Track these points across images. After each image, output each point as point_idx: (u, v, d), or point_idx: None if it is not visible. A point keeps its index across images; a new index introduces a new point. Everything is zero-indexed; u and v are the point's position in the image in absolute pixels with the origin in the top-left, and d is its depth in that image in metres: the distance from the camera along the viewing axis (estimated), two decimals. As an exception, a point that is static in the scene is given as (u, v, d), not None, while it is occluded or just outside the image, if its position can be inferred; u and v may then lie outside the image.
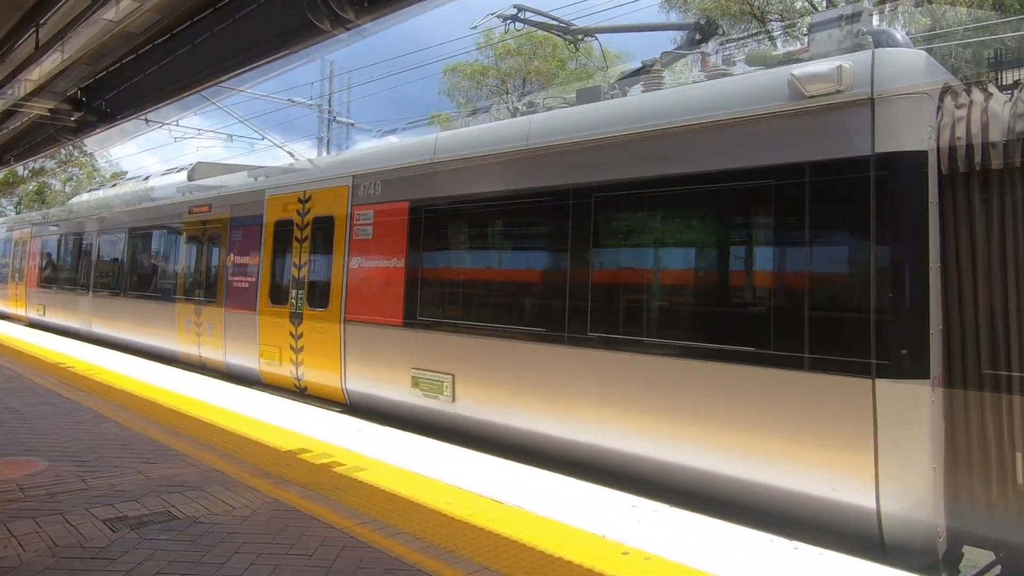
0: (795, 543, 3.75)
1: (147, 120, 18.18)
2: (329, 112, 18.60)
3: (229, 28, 6.79)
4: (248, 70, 6.60)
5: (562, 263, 5.56)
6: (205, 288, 9.98)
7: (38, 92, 7.94)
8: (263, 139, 20.05)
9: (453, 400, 6.13)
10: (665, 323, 5.19)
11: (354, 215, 7.37)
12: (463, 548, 3.52)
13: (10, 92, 7.31)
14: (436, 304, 6.64)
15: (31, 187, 63.05)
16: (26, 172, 62.67)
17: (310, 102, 16.99)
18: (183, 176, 11.84)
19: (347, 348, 7.25)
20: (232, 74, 6.84)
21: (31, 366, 9.62)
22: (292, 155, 19.84)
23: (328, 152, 19.79)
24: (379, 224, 7.11)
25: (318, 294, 7.83)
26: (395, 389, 6.68)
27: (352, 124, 18.82)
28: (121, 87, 8.09)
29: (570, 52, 35.33)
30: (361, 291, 7.20)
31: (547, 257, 5.93)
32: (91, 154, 62.22)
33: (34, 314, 16.39)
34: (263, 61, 6.36)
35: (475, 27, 8.90)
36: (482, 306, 6.39)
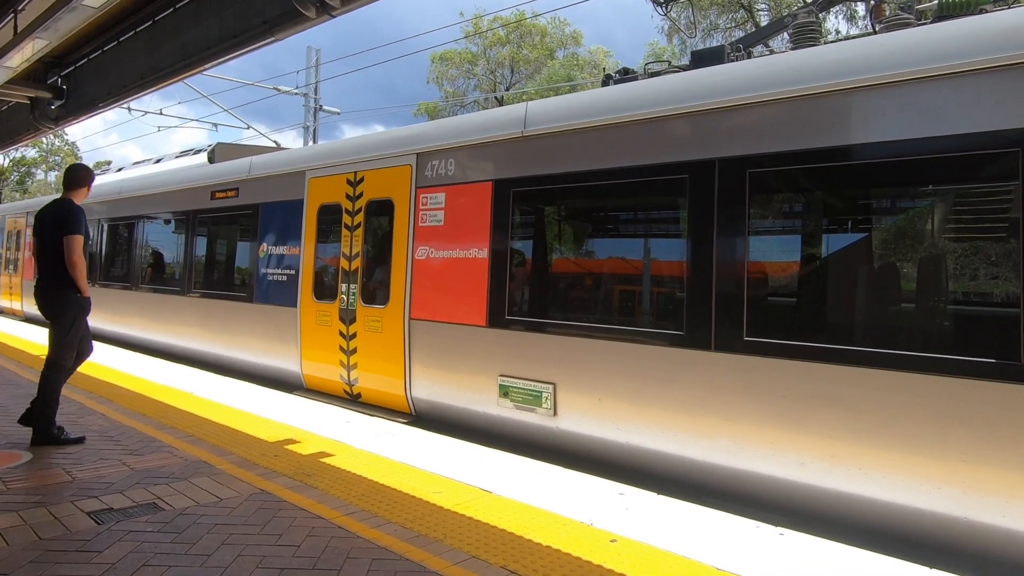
0: (780, 529, 3.78)
1: (130, 109, 18.00)
2: (316, 100, 18.42)
3: (212, 16, 6.69)
4: (231, 58, 6.49)
5: (704, 252, 4.59)
6: (234, 281, 9.47)
7: (17, 79, 7.81)
8: (248, 128, 19.94)
9: (555, 414, 5.47)
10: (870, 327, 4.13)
11: (419, 198, 6.56)
12: (451, 537, 3.52)
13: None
14: (533, 301, 5.81)
15: (14, 177, 62.31)
16: (8, 163, 61.72)
17: (295, 91, 16.80)
18: (200, 159, 11.49)
19: (412, 351, 6.46)
20: (214, 62, 6.73)
21: (17, 359, 9.51)
22: (277, 144, 19.65)
23: (314, 142, 19.64)
24: (453, 208, 6.27)
25: (375, 288, 7.07)
26: (476, 399, 5.93)
27: (338, 112, 18.65)
28: (102, 75, 7.96)
29: (558, 41, 35.18)
30: (431, 286, 6.36)
31: (679, 245, 4.92)
32: (73, 143, 61.13)
33: (31, 309, 15.94)
34: (247, 49, 6.25)
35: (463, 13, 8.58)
36: (595, 303, 5.50)
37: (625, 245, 5.57)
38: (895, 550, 3.74)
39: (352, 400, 7.20)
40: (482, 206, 6.04)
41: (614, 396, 5.04)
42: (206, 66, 6.74)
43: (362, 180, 7.21)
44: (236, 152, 10.91)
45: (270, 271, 8.50)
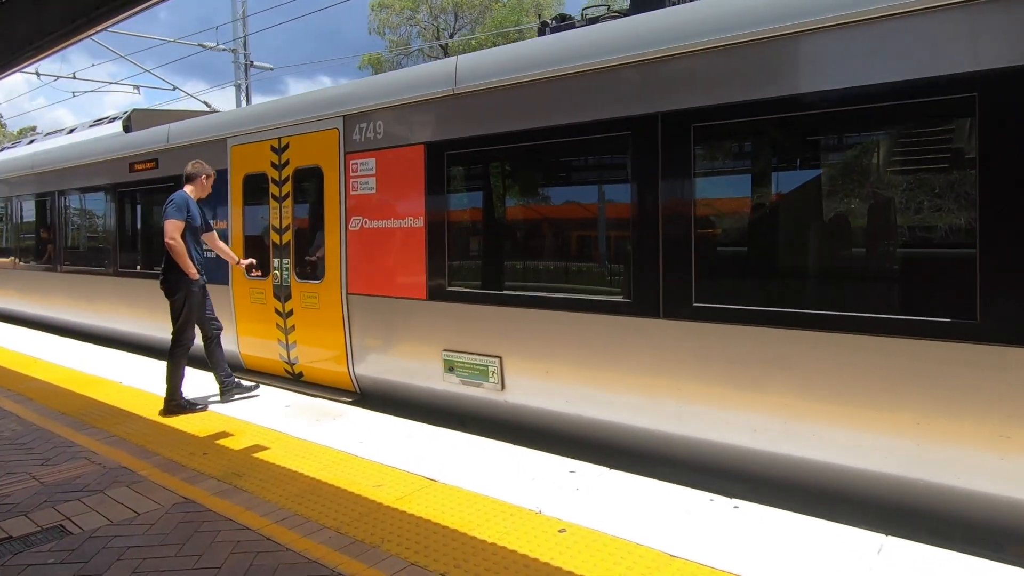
0: (735, 501, 3.65)
1: (38, 74, 16.61)
2: (245, 56, 17.30)
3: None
4: (127, 16, 5.80)
5: (650, 214, 4.30)
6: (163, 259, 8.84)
7: None
8: (174, 89, 18.70)
9: (502, 388, 5.20)
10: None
11: (349, 165, 6.08)
12: (389, 541, 3.28)
13: None
14: (474, 272, 5.45)
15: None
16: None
17: (221, 47, 15.71)
18: (115, 127, 10.64)
19: (353, 327, 6.12)
20: (111, 21, 6.01)
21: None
22: (208, 105, 18.52)
23: (248, 101, 18.56)
24: (385, 175, 5.82)
25: (309, 263, 6.66)
26: (421, 375, 5.66)
27: (271, 68, 17.60)
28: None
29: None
30: (368, 258, 5.97)
31: (623, 208, 4.60)
32: (-8, 110, 57.37)
33: None
34: (142, 6, 5.58)
35: None
36: (539, 273, 5.15)
37: (566, 210, 5.19)
38: (850, 515, 3.66)
39: (294, 379, 6.83)
40: (415, 171, 5.60)
41: (562, 368, 4.80)
42: (99, 27, 6.03)
43: (287, 147, 6.66)
44: (155, 119, 10.10)
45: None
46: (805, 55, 3.79)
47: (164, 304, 8.55)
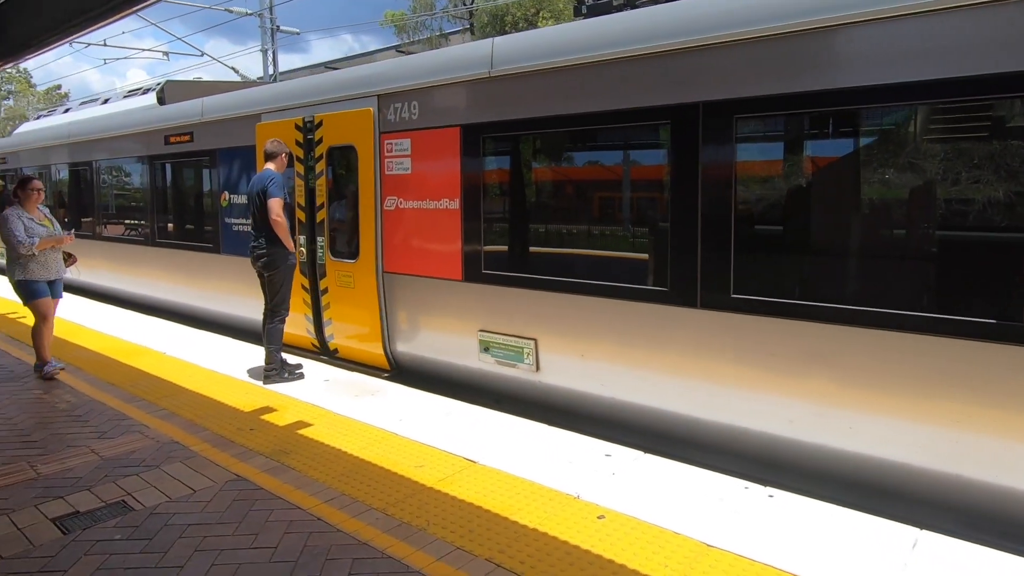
0: (770, 490, 3.72)
1: (71, 43, 16.71)
2: (272, 21, 17.20)
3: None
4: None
5: (687, 200, 4.27)
6: (200, 232, 8.97)
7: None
8: (202, 55, 18.72)
9: (537, 369, 5.28)
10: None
11: (384, 145, 6.10)
12: (435, 524, 3.41)
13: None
14: (510, 255, 5.41)
15: (-36, 109, 59.35)
16: (-43, 94, 58.45)
17: (248, 12, 15.63)
18: (149, 99, 10.74)
19: (389, 306, 6.23)
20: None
21: (-21, 321, 9.18)
22: (235, 71, 18.53)
23: (275, 66, 18.52)
24: (420, 156, 5.86)
25: (344, 241, 6.68)
26: (457, 353, 5.77)
27: (297, 33, 17.50)
28: (26, 16, 7.18)
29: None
30: (403, 238, 6.01)
31: (662, 196, 4.55)
32: (26, 70, 58.00)
33: None
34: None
35: None
36: (576, 258, 5.12)
37: (601, 198, 5.16)
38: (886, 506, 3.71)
39: (328, 354, 6.95)
40: (450, 153, 5.60)
41: (598, 352, 4.86)
42: (138, 7, 6.04)
43: (320, 124, 6.64)
44: (188, 90, 10.18)
45: (235, 221, 8.07)
46: (857, 47, 3.70)
47: (202, 274, 8.77)
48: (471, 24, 27.06)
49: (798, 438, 4.04)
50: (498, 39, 5.50)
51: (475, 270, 5.52)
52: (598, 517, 3.47)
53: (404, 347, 6.23)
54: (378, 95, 6.23)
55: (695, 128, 4.25)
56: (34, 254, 6.12)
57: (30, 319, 9.11)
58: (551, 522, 3.42)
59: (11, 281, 6.26)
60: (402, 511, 3.56)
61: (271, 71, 20.11)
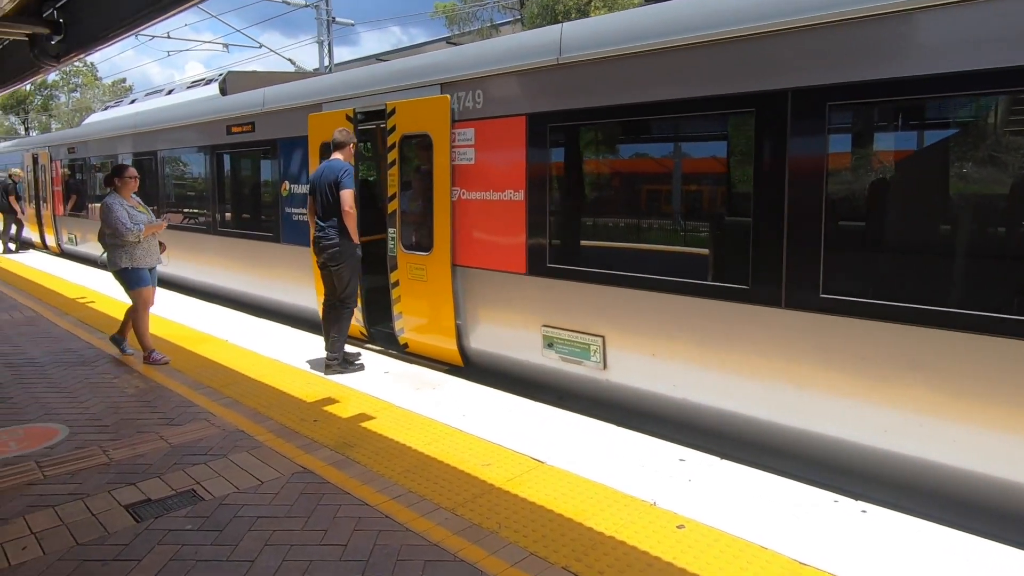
0: (862, 505, 3.47)
1: (136, 35, 17.16)
2: (327, 12, 17.33)
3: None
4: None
5: (773, 193, 4.02)
6: (261, 221, 9.08)
7: (11, 16, 7.24)
8: (260, 47, 19.02)
9: (604, 367, 5.05)
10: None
11: (454, 134, 5.94)
12: (506, 527, 3.29)
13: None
14: (577, 249, 5.24)
15: (37, 101, 62.29)
16: (31, 86, 61.62)
17: (305, 3, 15.77)
18: (212, 89, 10.93)
19: (461, 300, 6.02)
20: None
21: (51, 303, 9.49)
22: (292, 62, 18.75)
23: (330, 57, 18.68)
24: (484, 145, 5.69)
25: (415, 233, 6.48)
26: (519, 349, 5.61)
27: (352, 24, 17.58)
28: (99, 8, 7.32)
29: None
30: (474, 230, 5.83)
31: (743, 189, 4.32)
32: (92, 64, 60.54)
33: (67, 243, 15.91)
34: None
35: None
36: (647, 253, 4.86)
37: (675, 190, 4.86)
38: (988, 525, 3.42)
39: (398, 349, 6.78)
40: (516, 143, 5.43)
41: (670, 352, 4.64)
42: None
43: (394, 112, 6.46)
44: (248, 81, 10.28)
45: (295, 211, 8.10)
46: (977, 28, 3.38)
47: (262, 262, 8.85)
48: (521, 15, 26.84)
49: (893, 449, 3.77)
50: (567, 24, 5.30)
51: (539, 264, 5.36)
52: (677, 527, 3.29)
53: (475, 343, 6.06)
54: (441, 83, 6.11)
55: (783, 116, 4.00)
56: (139, 241, 6.16)
57: (99, 304, 9.42)
58: (628, 530, 3.25)
59: (113, 270, 6.25)
60: (472, 512, 3.45)
61: (326, 62, 20.31)
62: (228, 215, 9.99)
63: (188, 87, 12.08)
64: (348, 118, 7.15)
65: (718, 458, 4.06)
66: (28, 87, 62.10)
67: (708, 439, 4.53)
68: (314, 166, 7.77)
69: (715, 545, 3.12)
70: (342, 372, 5.84)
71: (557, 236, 5.31)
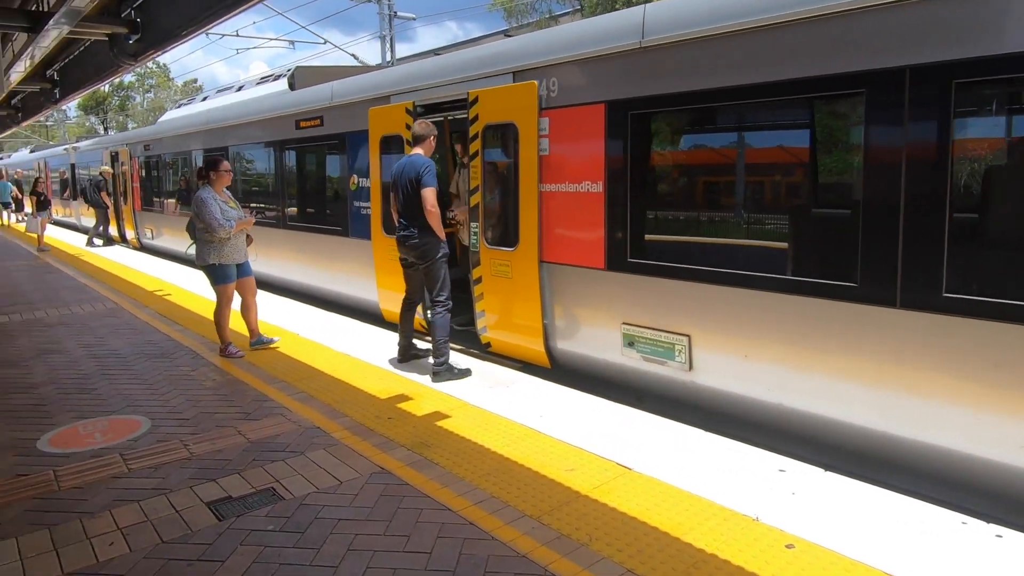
0: (997, 529, 3.11)
1: (207, 33, 17.61)
2: (390, 7, 17.39)
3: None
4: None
5: (887, 182, 3.66)
6: (330, 215, 9.09)
7: (92, 15, 7.46)
8: (324, 43, 19.27)
9: (690, 368, 4.79)
10: None
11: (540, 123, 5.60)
12: (598, 539, 3.08)
13: (64, 20, 6.87)
14: (660, 243, 4.97)
15: (115, 102, 65.52)
16: (109, 87, 64.75)
17: (370, -2, 15.85)
18: (281, 85, 11.10)
19: (548, 298, 5.70)
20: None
21: (131, 295, 9.80)
22: (355, 57, 18.92)
23: (392, 52, 18.77)
24: (559, 135, 5.46)
25: (499, 228, 6.17)
26: (598, 347, 5.38)
27: (414, 18, 17.61)
28: (173, 5, 7.46)
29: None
30: (559, 224, 5.56)
31: (849, 177, 3.99)
32: (165, 66, 63.20)
33: (146, 240, 16.50)
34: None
35: None
36: (739, 247, 4.54)
37: (769, 179, 4.50)
38: None
39: (480, 349, 6.54)
40: (594, 132, 5.18)
41: (765, 353, 4.33)
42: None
43: (476, 101, 6.18)
44: (316, 76, 10.34)
45: (363, 205, 8.07)
46: None
47: (330, 256, 8.87)
48: (581, 4, 26.40)
49: None
50: (650, 5, 5.01)
51: (620, 258, 5.11)
52: (786, 546, 3.01)
53: (562, 343, 5.75)
54: (513, 72, 5.92)
55: (900, 97, 3.63)
56: (230, 237, 6.16)
57: (175, 296, 9.67)
58: (731, 548, 3.00)
59: (201, 265, 6.28)
60: (559, 521, 3.26)
61: (388, 58, 20.44)
62: (297, 209, 10.09)
63: (258, 83, 12.27)
64: (408, 111, 7.09)
65: (821, 470, 3.75)
66: (106, 88, 65.41)
67: (807, 448, 4.21)
68: (375, 161, 7.80)
69: (831, 569, 2.83)
70: (450, 379, 5.47)
71: (639, 229, 5.04)
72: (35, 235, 16.33)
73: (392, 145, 7.45)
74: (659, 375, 4.97)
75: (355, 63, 18.65)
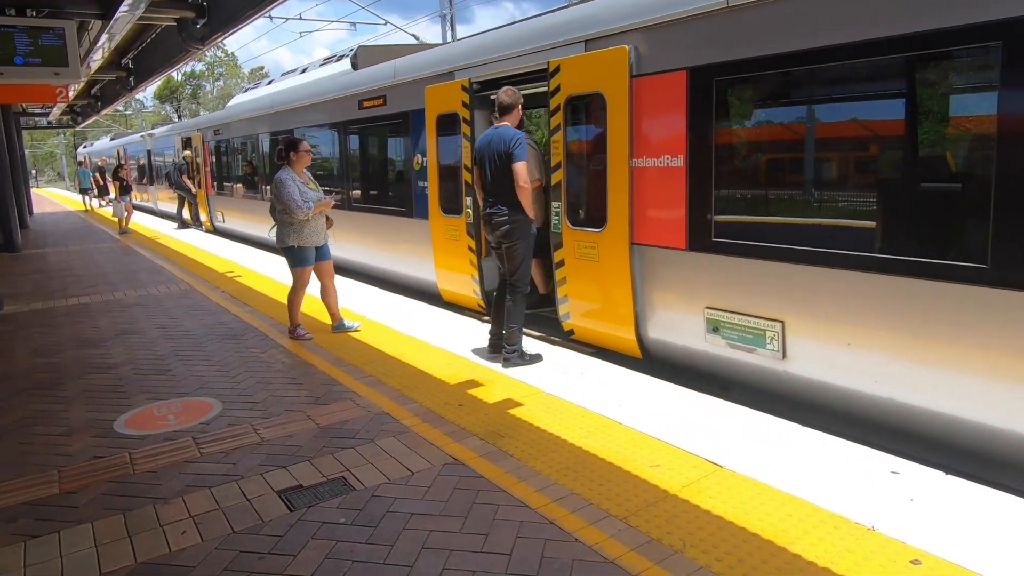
0: None
1: (271, 17, 17.81)
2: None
3: None
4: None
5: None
6: (393, 196, 9.01)
7: (161, 1, 7.53)
8: (385, 23, 19.15)
9: (783, 356, 4.41)
10: None
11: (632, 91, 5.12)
12: (693, 546, 2.81)
13: (134, 5, 6.95)
14: (748, 220, 4.60)
15: (187, 91, 68.10)
16: (180, 77, 67.31)
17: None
18: (344, 65, 11.07)
19: (639, 283, 5.27)
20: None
21: (203, 277, 10.00)
22: (416, 37, 18.78)
23: (452, 31, 18.53)
24: (648, 105, 5.03)
25: (583, 207, 5.77)
26: (678, 333, 5.06)
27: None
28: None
29: None
30: (650, 203, 5.11)
31: (983, 144, 3.44)
32: (233, 54, 65.34)
33: (219, 221, 16.95)
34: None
35: None
36: (841, 225, 4.07)
37: (885, 149, 3.97)
38: None
39: (562, 336, 6.18)
40: (675, 102, 4.80)
41: (872, 342, 3.91)
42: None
43: (558, 71, 5.74)
44: (379, 55, 10.21)
45: (427, 184, 7.90)
46: None
47: (395, 237, 8.78)
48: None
49: None
50: None
51: (703, 237, 4.75)
52: (911, 562, 2.66)
53: (654, 331, 5.32)
54: (585, 40, 5.57)
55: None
56: (308, 220, 6.07)
57: (245, 278, 9.80)
58: (847, 561, 2.67)
59: (281, 247, 6.22)
60: (648, 524, 2.99)
61: (448, 37, 20.22)
62: (361, 190, 10.04)
63: (321, 64, 12.26)
64: (464, 88, 6.88)
65: (942, 473, 3.34)
66: (179, 78, 67.93)
67: (922, 447, 3.79)
68: (432, 141, 7.59)
69: (968, 590, 2.48)
70: (520, 364, 5.21)
71: (724, 206, 4.66)
72: (118, 219, 17.02)
73: (448, 124, 7.26)
74: (747, 363, 4.61)
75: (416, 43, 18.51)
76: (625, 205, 5.22)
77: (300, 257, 6.19)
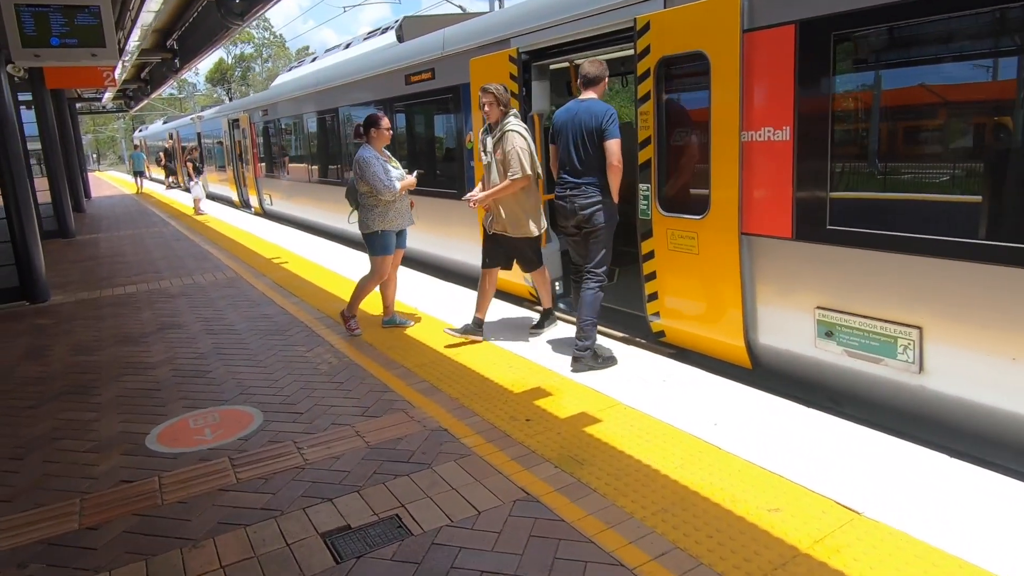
0: None
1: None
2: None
3: None
4: None
5: None
6: (444, 176, 8.46)
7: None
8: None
9: (920, 369, 3.66)
10: None
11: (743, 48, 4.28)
12: (846, 636, 2.17)
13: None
14: (873, 204, 3.82)
15: (237, 73, 68.98)
16: (231, 59, 68.26)
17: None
18: (389, 37, 10.53)
19: (749, 279, 4.48)
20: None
21: (250, 263, 9.67)
22: (463, 9, 18.01)
23: (500, 3, 17.73)
24: (758, 68, 4.22)
25: (680, 190, 4.97)
26: (782, 336, 4.37)
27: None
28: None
29: None
30: (762, 184, 4.31)
31: None
32: (280, 35, 65.74)
33: (267, 204, 16.78)
34: None
35: None
36: (996, 208, 3.33)
37: None
38: None
39: (650, 338, 5.38)
40: (780, 64, 4.03)
41: None
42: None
43: (647, 28, 4.87)
44: (425, 25, 9.57)
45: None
46: None
47: (445, 220, 8.21)
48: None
49: None
50: None
51: (814, 225, 4.00)
52: None
53: (764, 337, 4.51)
54: None
55: None
56: (395, 200, 5.60)
57: (293, 264, 9.41)
58: (1067, 670, 1.99)
59: (365, 232, 5.72)
60: (780, 597, 2.36)
61: (496, 7, 19.39)
62: (409, 170, 9.49)
63: (365, 38, 11.70)
64: (511, 59, 6.25)
65: None
66: (229, 60, 68.77)
67: None
68: (477, 118, 6.90)
69: None
70: (591, 368, 4.62)
71: (842, 188, 3.89)
72: (195, 200, 17.12)
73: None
74: (871, 375, 3.87)
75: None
76: (734, 187, 4.41)
77: (384, 244, 5.68)
